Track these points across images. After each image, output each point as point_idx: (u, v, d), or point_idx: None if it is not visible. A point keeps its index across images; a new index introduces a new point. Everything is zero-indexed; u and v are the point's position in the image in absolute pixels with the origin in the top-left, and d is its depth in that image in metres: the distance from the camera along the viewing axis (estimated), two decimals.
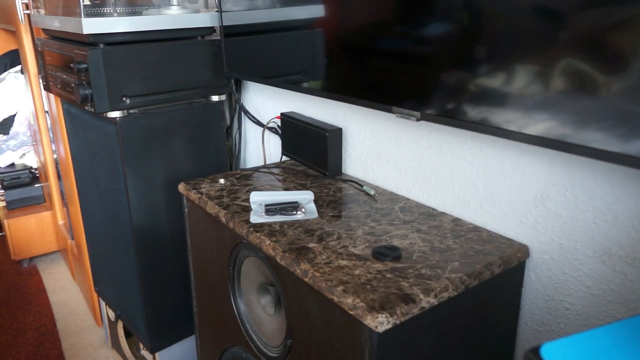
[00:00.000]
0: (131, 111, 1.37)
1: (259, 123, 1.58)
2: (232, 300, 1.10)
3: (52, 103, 2.01)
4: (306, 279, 0.82)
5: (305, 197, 0.95)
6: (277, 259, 0.88)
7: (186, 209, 1.23)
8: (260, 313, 1.05)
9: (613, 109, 0.67)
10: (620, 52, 0.65)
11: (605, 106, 0.68)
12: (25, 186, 2.63)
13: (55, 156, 2.32)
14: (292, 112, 1.40)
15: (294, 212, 0.88)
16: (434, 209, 1.05)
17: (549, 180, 0.86)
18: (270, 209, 0.94)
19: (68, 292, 2.35)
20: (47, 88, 1.60)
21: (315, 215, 0.91)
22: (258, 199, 0.98)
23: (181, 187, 1.21)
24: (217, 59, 1.48)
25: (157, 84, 1.39)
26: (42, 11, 1.60)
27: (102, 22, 1.28)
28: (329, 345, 0.82)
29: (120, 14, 1.41)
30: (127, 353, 1.77)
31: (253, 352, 1.06)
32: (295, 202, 0.90)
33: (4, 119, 2.70)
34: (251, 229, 0.95)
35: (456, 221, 0.99)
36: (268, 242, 0.90)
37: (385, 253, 0.84)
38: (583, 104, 0.71)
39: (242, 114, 1.64)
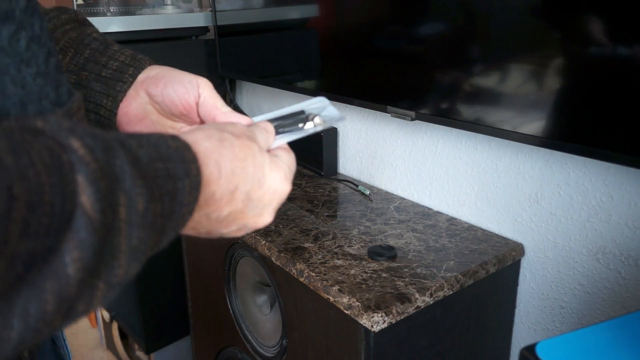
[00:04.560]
0: None
1: None
2: (228, 301, 1.09)
3: None
4: (302, 279, 0.82)
5: (317, 105, 0.64)
6: (273, 259, 0.88)
7: None
8: (255, 313, 1.05)
9: (609, 110, 0.68)
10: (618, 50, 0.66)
11: (601, 106, 0.68)
12: None
13: None
14: None
15: (301, 125, 0.60)
16: (429, 208, 1.05)
17: (544, 180, 0.86)
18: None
19: None
20: None
21: (337, 116, 0.60)
22: (259, 118, 0.64)
23: None
24: (211, 58, 1.47)
25: None
26: None
27: (96, 22, 1.27)
28: (324, 344, 0.82)
29: (113, 14, 1.41)
30: (122, 354, 1.76)
31: (249, 352, 1.06)
32: (302, 112, 0.61)
33: None
34: None
35: (451, 220, 0.99)
36: (263, 242, 0.90)
37: (381, 252, 0.84)
38: (578, 103, 0.71)
39: None
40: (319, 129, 0.57)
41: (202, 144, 0.36)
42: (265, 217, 0.41)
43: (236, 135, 0.39)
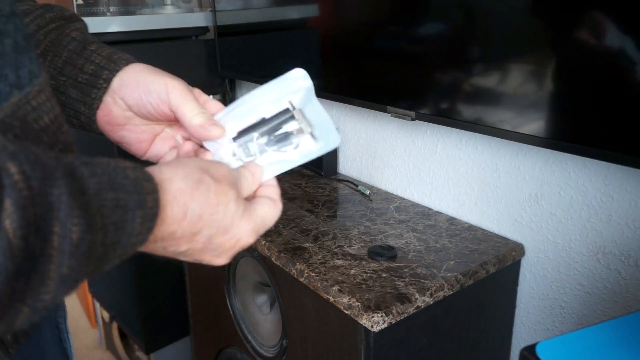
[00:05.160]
0: None
1: None
2: (228, 301, 1.09)
3: None
4: (302, 279, 0.81)
5: (301, 94, 0.51)
6: (273, 259, 0.88)
7: None
8: (255, 313, 1.04)
9: (609, 110, 0.68)
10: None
11: (601, 106, 0.68)
12: None
13: None
14: None
15: (292, 131, 0.49)
16: (429, 208, 1.05)
17: (544, 179, 0.86)
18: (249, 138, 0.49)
19: None
20: None
21: (338, 140, 0.49)
22: (231, 108, 0.50)
23: None
24: (211, 58, 1.47)
25: None
26: None
27: (95, 22, 1.28)
28: (324, 345, 0.82)
29: (113, 14, 1.40)
30: (122, 354, 1.76)
31: (249, 352, 1.06)
32: (287, 110, 0.50)
33: None
34: None
35: (451, 220, 0.99)
36: (263, 242, 0.90)
37: (381, 252, 0.84)
38: (578, 103, 0.71)
39: None
40: (314, 156, 0.49)
41: (176, 183, 0.35)
42: (221, 259, 0.41)
43: (216, 179, 0.38)
